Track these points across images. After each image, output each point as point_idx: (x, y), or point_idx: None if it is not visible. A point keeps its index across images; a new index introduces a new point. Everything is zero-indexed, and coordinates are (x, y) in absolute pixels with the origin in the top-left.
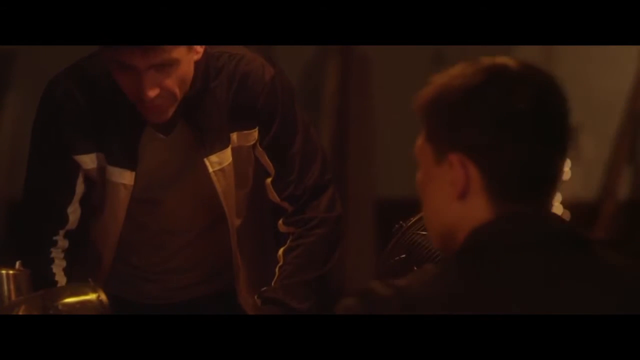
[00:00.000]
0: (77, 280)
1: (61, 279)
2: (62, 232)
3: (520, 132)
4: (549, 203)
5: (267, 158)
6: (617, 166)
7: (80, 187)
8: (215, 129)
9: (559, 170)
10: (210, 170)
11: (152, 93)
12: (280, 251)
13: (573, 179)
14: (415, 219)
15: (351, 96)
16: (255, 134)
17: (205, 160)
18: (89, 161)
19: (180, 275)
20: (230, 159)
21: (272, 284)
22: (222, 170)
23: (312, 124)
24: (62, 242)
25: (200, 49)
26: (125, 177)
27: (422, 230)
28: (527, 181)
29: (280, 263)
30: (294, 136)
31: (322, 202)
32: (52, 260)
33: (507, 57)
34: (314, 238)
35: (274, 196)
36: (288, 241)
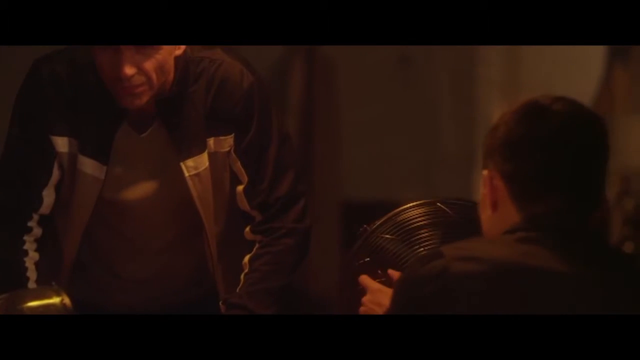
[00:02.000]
0: (43, 279)
1: (32, 274)
2: (36, 217)
3: (531, 150)
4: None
5: (239, 165)
6: None
7: (56, 172)
8: (192, 133)
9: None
10: (186, 174)
11: (129, 71)
12: (246, 258)
13: None
14: (380, 222)
15: (316, 97)
16: (230, 140)
17: (182, 164)
18: (61, 144)
19: (156, 284)
20: (206, 164)
21: (237, 290)
22: (197, 175)
23: (290, 135)
24: (36, 230)
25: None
26: (96, 170)
27: (387, 234)
28: (544, 187)
29: (246, 270)
30: (268, 145)
31: (292, 212)
32: (25, 252)
33: (542, 95)
34: (281, 247)
35: (244, 204)
36: (254, 249)
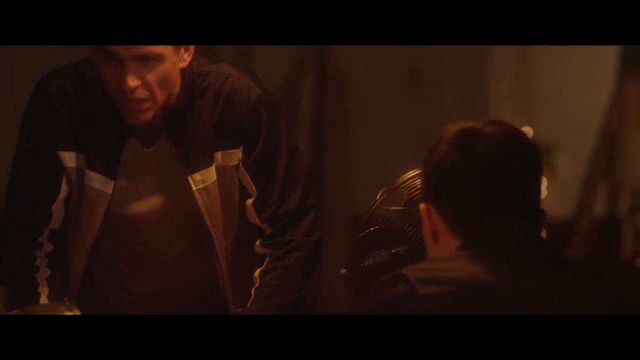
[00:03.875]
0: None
1: (44, 290)
2: (46, 233)
3: (462, 180)
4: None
5: (248, 178)
6: (593, 184)
7: (64, 187)
8: (199, 147)
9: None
10: (194, 188)
11: (133, 83)
12: (257, 272)
13: (549, 196)
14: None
15: (327, 112)
16: (239, 153)
17: (189, 178)
18: (68, 159)
19: (165, 298)
20: (214, 178)
21: (248, 305)
22: (205, 188)
23: (298, 148)
24: (47, 245)
25: (187, 57)
26: (103, 185)
27: (393, 206)
28: (481, 211)
29: (257, 285)
30: (277, 157)
31: (302, 225)
32: (36, 268)
33: (467, 123)
34: (292, 261)
35: (254, 218)
36: (265, 263)
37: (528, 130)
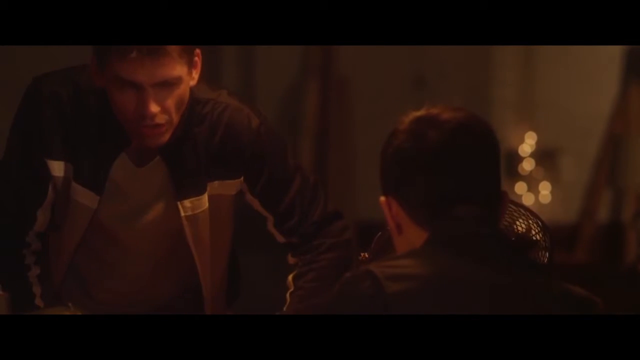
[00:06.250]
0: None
1: (37, 289)
2: (32, 233)
3: (419, 169)
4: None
5: (260, 206)
6: (597, 189)
7: (51, 194)
8: (192, 175)
9: (476, 188)
10: (182, 214)
11: (155, 109)
12: (290, 278)
13: (553, 201)
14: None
15: (331, 118)
16: (238, 183)
17: (179, 203)
18: (56, 168)
19: (133, 309)
20: (205, 206)
21: (284, 309)
22: (194, 216)
23: (303, 168)
24: (35, 244)
25: (195, 75)
26: (89, 199)
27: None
28: (439, 204)
29: (291, 289)
30: (288, 183)
31: (331, 229)
32: (28, 268)
33: (421, 111)
34: (324, 263)
35: (280, 238)
36: (297, 267)
37: (531, 136)
